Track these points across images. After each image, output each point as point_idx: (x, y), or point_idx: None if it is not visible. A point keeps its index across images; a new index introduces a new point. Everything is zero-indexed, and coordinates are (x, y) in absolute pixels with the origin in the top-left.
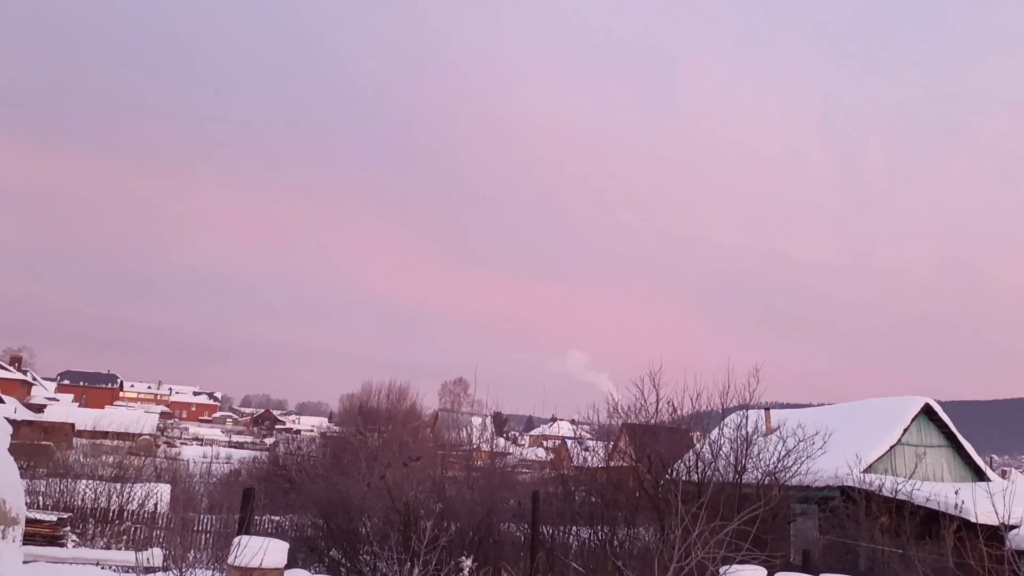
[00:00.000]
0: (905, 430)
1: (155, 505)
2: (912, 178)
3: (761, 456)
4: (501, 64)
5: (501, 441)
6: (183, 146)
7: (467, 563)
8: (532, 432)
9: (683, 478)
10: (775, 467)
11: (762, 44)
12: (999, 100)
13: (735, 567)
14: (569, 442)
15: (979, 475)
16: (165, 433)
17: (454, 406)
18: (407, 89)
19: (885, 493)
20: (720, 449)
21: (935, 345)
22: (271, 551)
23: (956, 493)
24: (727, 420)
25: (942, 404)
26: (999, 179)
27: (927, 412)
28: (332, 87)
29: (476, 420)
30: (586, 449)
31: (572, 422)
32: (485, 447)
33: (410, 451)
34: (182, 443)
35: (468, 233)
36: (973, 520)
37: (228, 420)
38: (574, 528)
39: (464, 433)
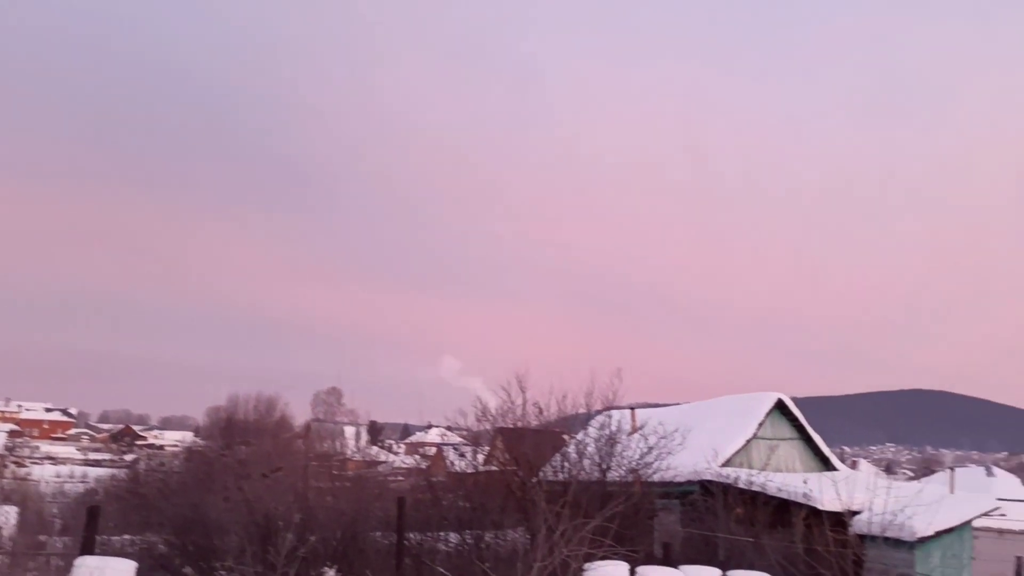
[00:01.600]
0: (760, 424)
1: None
2: (764, 180)
3: (625, 454)
4: (366, 69)
5: (375, 449)
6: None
7: (330, 573)
8: (408, 440)
9: (550, 479)
10: (638, 464)
11: (625, 49)
12: (844, 102)
13: (598, 563)
14: (444, 448)
15: (827, 465)
16: (13, 452)
17: (328, 416)
18: (269, 95)
19: (741, 485)
20: (586, 449)
21: (791, 343)
22: (114, 571)
23: (805, 482)
24: (593, 421)
25: (799, 400)
26: (849, 180)
27: (780, 407)
28: (191, 94)
29: (350, 430)
30: (461, 455)
31: (447, 428)
32: (357, 456)
33: (273, 463)
34: (32, 463)
35: (345, 245)
36: (820, 507)
37: (84, 437)
38: (443, 534)
39: (337, 443)
